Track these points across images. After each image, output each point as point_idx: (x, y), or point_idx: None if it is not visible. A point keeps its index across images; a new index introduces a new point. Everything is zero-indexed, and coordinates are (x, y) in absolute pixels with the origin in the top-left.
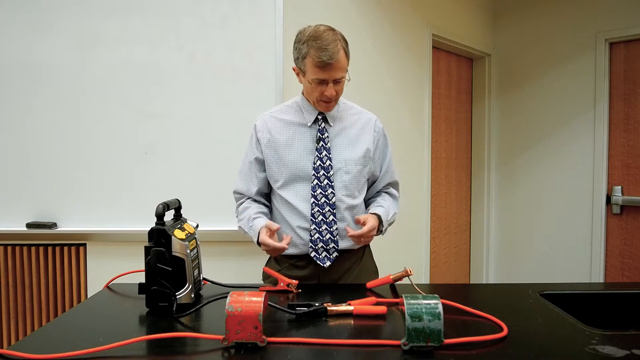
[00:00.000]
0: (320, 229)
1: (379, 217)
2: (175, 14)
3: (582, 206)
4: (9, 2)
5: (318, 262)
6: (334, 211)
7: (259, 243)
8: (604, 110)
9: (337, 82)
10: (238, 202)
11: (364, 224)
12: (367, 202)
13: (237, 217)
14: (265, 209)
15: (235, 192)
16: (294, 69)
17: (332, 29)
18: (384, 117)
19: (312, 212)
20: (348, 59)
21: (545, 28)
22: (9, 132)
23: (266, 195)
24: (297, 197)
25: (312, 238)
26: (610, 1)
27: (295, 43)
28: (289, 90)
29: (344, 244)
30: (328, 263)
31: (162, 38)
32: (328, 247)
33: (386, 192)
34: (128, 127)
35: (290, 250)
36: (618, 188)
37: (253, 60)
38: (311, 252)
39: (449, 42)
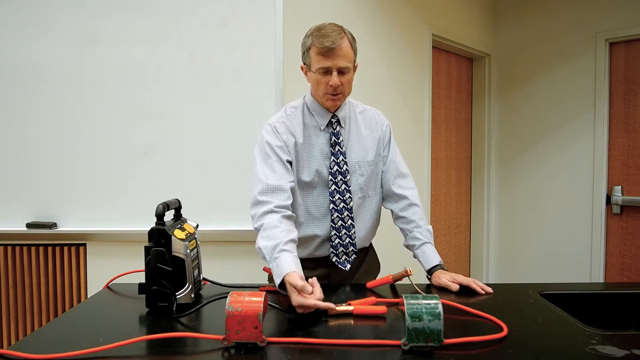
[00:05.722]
0: (340, 234)
1: (440, 262)
2: (175, 14)
3: (582, 206)
4: (9, 2)
5: (340, 266)
6: (352, 215)
7: (281, 287)
8: (604, 110)
9: (343, 73)
10: (264, 210)
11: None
12: (396, 216)
13: (258, 225)
14: (295, 233)
15: (261, 188)
16: (301, 68)
17: (338, 25)
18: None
19: (332, 218)
20: (355, 53)
21: (545, 28)
22: (9, 132)
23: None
24: (314, 205)
25: (333, 244)
26: (610, 1)
27: (302, 40)
28: (289, 90)
29: (359, 245)
30: (348, 266)
31: (162, 38)
32: (347, 251)
33: (410, 209)
34: (128, 127)
35: (301, 254)
36: (618, 188)
37: (253, 60)
38: (332, 257)
39: (449, 42)
